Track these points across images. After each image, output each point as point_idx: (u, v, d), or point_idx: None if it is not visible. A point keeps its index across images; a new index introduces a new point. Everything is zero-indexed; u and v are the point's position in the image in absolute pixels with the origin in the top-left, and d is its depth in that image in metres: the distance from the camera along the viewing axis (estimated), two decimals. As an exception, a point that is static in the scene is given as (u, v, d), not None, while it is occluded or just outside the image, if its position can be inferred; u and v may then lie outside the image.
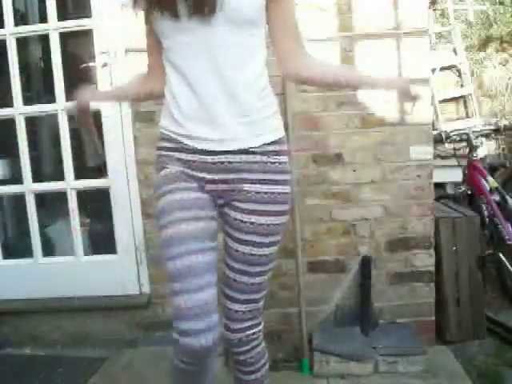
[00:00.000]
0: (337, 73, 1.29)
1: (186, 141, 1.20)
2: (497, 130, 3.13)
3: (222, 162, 1.19)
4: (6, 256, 2.51)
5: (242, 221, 1.21)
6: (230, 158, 1.18)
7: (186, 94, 1.18)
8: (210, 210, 1.23)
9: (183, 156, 1.21)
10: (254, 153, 1.20)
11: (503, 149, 4.40)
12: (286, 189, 1.24)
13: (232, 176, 1.20)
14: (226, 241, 1.28)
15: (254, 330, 1.28)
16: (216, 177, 1.21)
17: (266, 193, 1.21)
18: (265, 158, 1.21)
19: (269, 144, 1.21)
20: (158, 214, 1.22)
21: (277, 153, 1.23)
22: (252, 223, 1.21)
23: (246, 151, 1.19)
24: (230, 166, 1.19)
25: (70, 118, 2.36)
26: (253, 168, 1.20)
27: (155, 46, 1.25)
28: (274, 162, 1.22)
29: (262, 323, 1.32)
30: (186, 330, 1.10)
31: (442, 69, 5.12)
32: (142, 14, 1.23)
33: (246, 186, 1.21)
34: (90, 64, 2.45)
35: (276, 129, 1.25)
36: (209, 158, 1.19)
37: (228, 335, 1.28)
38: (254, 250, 1.22)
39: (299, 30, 1.25)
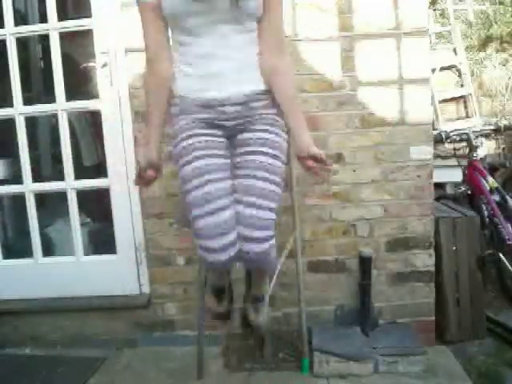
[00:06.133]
0: (285, 104, 1.49)
1: (201, 94, 1.43)
2: (497, 130, 3.11)
3: (232, 112, 1.44)
4: (6, 256, 2.51)
5: (252, 138, 1.46)
6: (236, 108, 1.44)
7: (195, 60, 1.42)
8: (224, 150, 1.47)
9: (203, 113, 1.45)
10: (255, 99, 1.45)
11: (503, 149, 4.39)
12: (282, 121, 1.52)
13: (240, 121, 1.47)
14: (236, 160, 1.47)
15: (270, 242, 1.41)
16: (229, 123, 1.47)
17: (264, 117, 1.48)
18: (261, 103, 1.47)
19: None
20: (176, 155, 1.46)
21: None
22: (260, 138, 1.45)
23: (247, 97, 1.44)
24: (238, 115, 1.45)
25: (70, 118, 2.37)
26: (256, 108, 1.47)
27: (163, 28, 1.43)
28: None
29: (274, 238, 1.44)
30: (211, 248, 1.34)
31: (442, 69, 5.11)
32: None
33: (253, 119, 1.47)
34: (90, 64, 2.45)
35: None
36: (219, 109, 1.43)
37: (250, 247, 1.37)
38: (262, 159, 1.43)
39: (281, 36, 1.48)
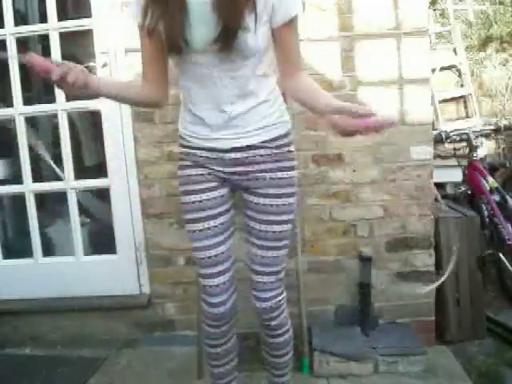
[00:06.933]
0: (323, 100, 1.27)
1: (204, 143, 1.38)
2: (497, 130, 3.11)
3: (238, 158, 1.37)
4: (6, 256, 2.51)
5: (260, 204, 1.41)
6: (240, 154, 1.37)
7: (195, 104, 1.35)
8: (223, 205, 1.44)
9: (204, 154, 1.39)
10: (265, 147, 1.37)
11: (503, 149, 4.39)
12: (293, 173, 1.43)
13: (248, 168, 1.39)
14: (247, 222, 1.47)
15: (278, 299, 1.50)
16: (233, 170, 1.40)
17: (274, 178, 1.39)
18: (275, 150, 1.38)
19: (277, 138, 1.39)
20: (180, 208, 1.47)
21: (285, 144, 1.41)
22: (270, 205, 1.41)
23: (256, 147, 1.37)
24: (245, 161, 1.38)
25: (72, 118, 2.37)
26: (265, 159, 1.38)
27: (156, 56, 1.36)
28: (283, 152, 1.40)
29: (285, 293, 1.53)
30: (210, 302, 1.46)
31: (442, 69, 5.11)
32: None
33: (260, 175, 1.39)
34: (90, 64, 2.45)
35: (282, 124, 1.41)
36: (224, 156, 1.37)
37: (259, 304, 1.48)
38: (273, 228, 1.42)
39: (300, 58, 1.37)
